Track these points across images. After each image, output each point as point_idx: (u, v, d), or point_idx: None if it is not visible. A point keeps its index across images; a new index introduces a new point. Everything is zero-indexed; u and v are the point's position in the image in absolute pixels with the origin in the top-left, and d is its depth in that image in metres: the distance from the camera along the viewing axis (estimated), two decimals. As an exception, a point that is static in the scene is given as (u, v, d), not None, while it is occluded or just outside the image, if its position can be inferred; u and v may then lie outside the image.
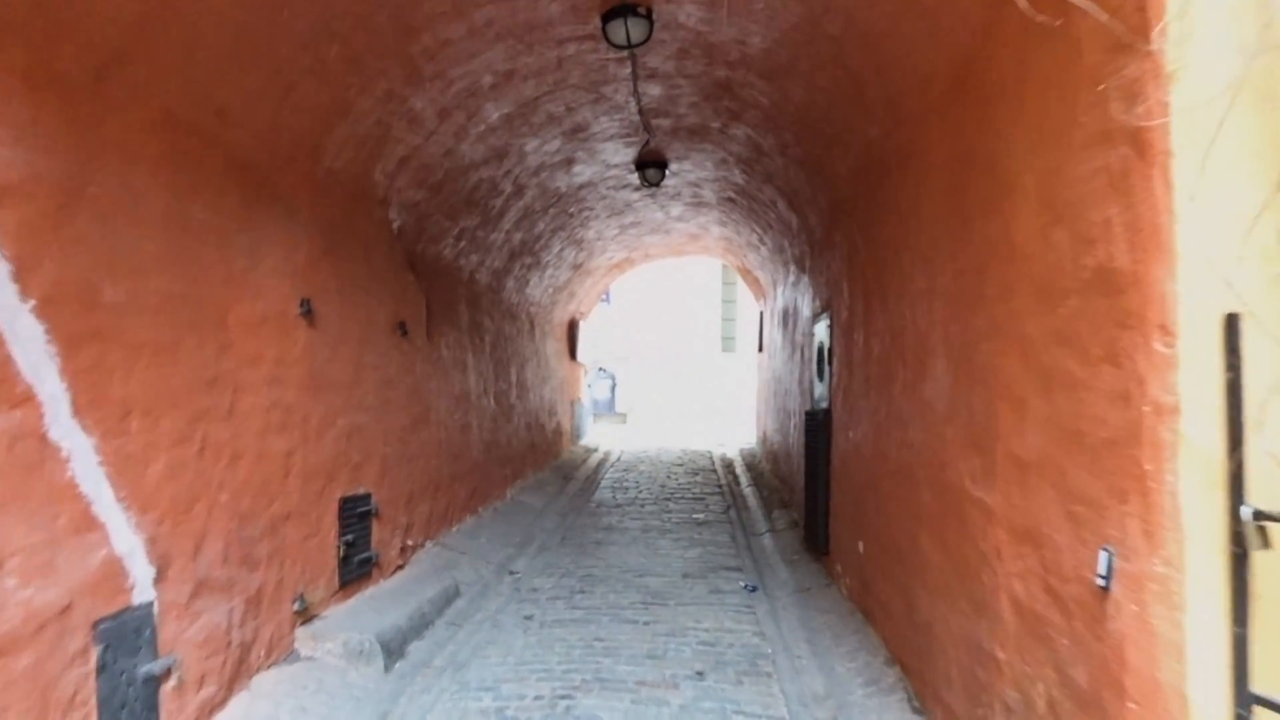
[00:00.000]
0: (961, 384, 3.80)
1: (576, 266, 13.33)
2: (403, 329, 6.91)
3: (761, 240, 11.60)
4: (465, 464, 8.67)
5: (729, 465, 13.62)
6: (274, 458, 4.83)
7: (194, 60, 3.93)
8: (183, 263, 4.03)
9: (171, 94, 3.90)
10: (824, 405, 7.31)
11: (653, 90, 7.37)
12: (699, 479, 12.16)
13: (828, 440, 7.07)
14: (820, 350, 7.63)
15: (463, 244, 8.65)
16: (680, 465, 13.41)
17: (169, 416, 3.90)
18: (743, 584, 6.88)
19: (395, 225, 6.93)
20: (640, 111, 7.89)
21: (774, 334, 12.41)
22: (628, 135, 8.77)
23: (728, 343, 25.87)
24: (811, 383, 8.13)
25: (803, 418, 8.62)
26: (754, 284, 14.69)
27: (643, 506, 10.15)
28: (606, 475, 12.49)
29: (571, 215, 11.07)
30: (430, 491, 7.55)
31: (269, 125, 4.67)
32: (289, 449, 5.00)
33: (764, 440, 13.76)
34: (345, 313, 5.81)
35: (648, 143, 9.00)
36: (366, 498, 6.15)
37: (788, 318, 10.67)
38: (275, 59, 4.37)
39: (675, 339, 25.09)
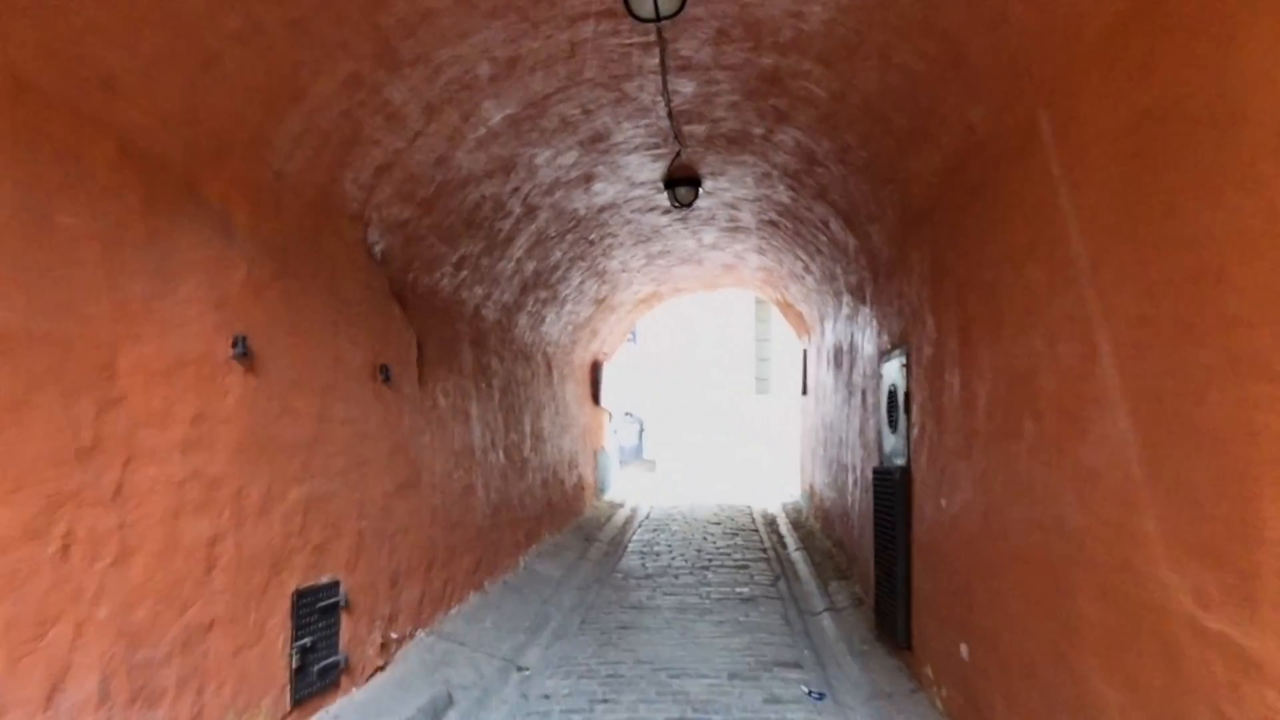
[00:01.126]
0: (1167, 450, 2.58)
1: (599, 301, 12.23)
2: (385, 374, 5.80)
3: (807, 269, 10.44)
4: (468, 532, 7.49)
5: (771, 523, 12.32)
6: (189, 548, 3.69)
7: (52, 5, 2.87)
8: (39, 287, 2.93)
9: (19, 50, 2.84)
10: (899, 462, 6.07)
11: (684, 88, 6.30)
12: (739, 541, 10.88)
13: (906, 506, 5.83)
14: (892, 395, 6.42)
15: (465, 273, 7.57)
16: (717, 524, 12.13)
17: (5, 505, 2.77)
18: (806, 689, 5.60)
19: (376, 249, 5.86)
20: (670, 115, 6.83)
21: (822, 375, 11.19)
22: (655, 146, 7.71)
23: (761, 384, 24.63)
24: (879, 434, 6.91)
25: (868, 475, 7.37)
26: (796, 319, 13.51)
27: (676, 577, 8.89)
28: (634, 537, 11.25)
29: (592, 243, 9.99)
30: (422, 570, 6.38)
31: (183, 106, 3.60)
32: (214, 534, 3.86)
33: (811, 494, 12.47)
34: (302, 354, 4.70)
35: (678, 155, 7.92)
36: (333, 587, 4.98)
37: (841, 356, 9.46)
38: (184, 14, 3.31)
39: (706, 380, 23.90)
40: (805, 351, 13.26)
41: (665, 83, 6.15)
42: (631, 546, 10.61)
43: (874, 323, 7.31)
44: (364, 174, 5.30)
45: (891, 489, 6.07)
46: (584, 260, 10.34)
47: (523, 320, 9.73)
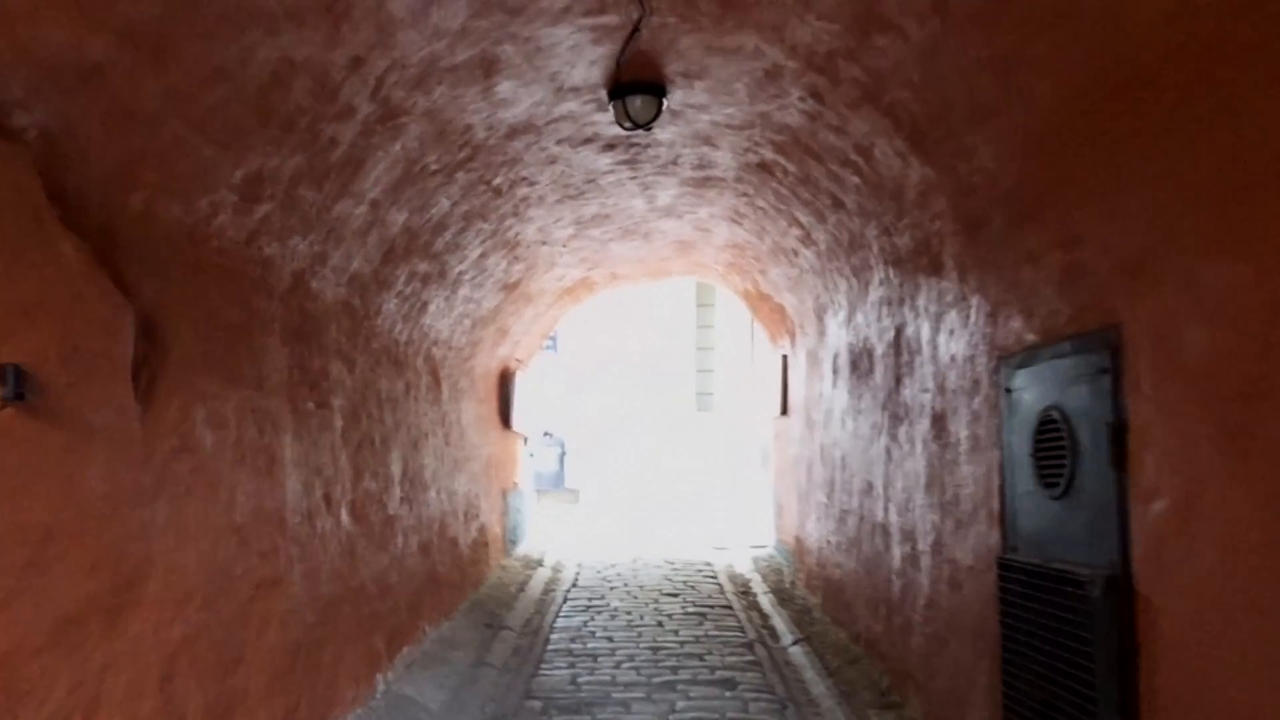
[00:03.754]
0: None
1: (509, 287, 9.21)
2: (15, 384, 2.71)
3: (808, 238, 7.64)
4: (262, 665, 4.39)
5: (745, 591, 9.44)
6: None
7: None
8: None
9: None
10: (1098, 565, 3.24)
11: None
12: (710, 628, 7.96)
13: (1125, 660, 3.01)
14: (1051, 429, 3.58)
15: (267, 210, 4.49)
16: (674, 595, 9.18)
17: None
18: None
19: (21, 121, 2.80)
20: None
21: (822, 390, 8.39)
22: (598, 9, 4.83)
23: (703, 400, 21.86)
24: (1004, 497, 4.07)
25: (965, 561, 4.54)
26: (771, 316, 10.71)
27: (628, 709, 5.91)
28: (558, 622, 8.22)
29: (498, 191, 7.00)
30: (135, 784, 3.27)
31: None
32: None
33: (798, 551, 9.65)
34: None
35: (637, 30, 5.06)
36: None
37: (870, 362, 6.67)
38: None
39: (639, 396, 21.02)
40: (785, 359, 10.48)
41: None
42: (555, 640, 7.57)
43: (975, 303, 4.50)
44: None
45: (1072, 614, 3.24)
46: (486, 219, 7.32)
47: (390, 305, 6.65)
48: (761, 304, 10.78)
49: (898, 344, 5.93)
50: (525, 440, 17.92)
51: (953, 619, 4.72)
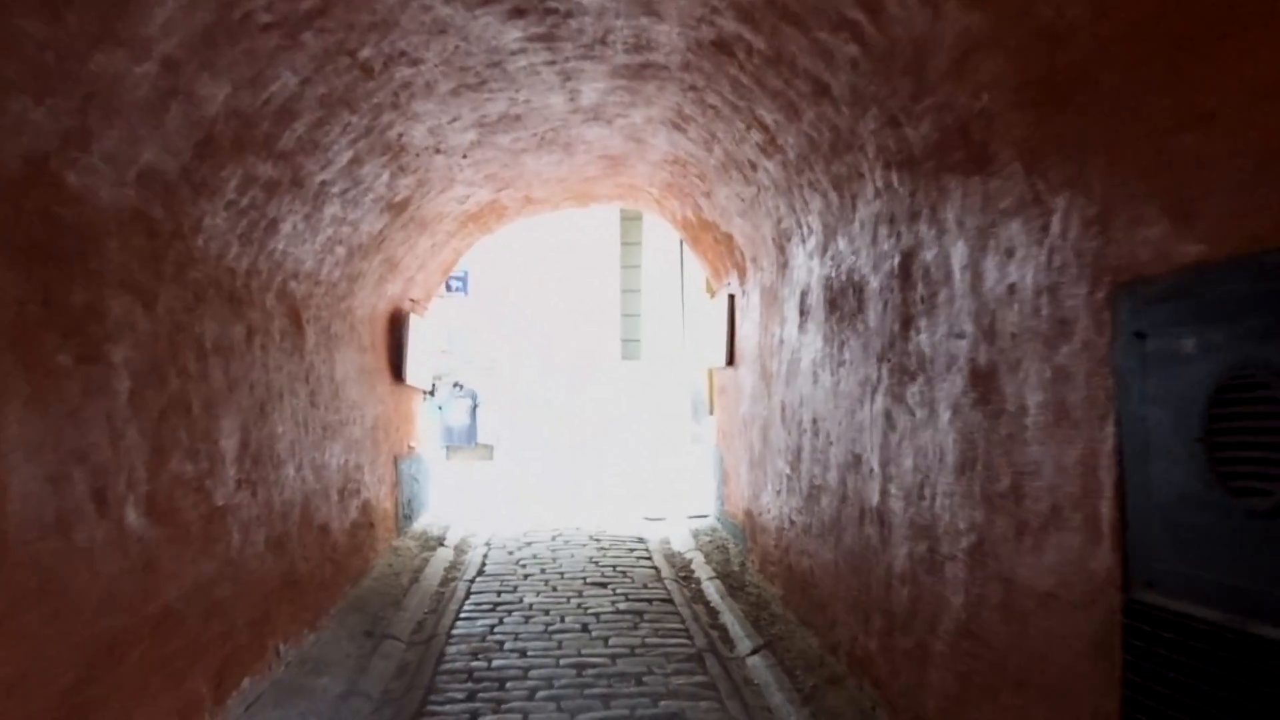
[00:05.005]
0: None
1: (396, 207, 7.51)
2: None
3: (771, 143, 6.15)
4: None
5: (688, 576, 8.07)
6: None
7: None
8: None
9: None
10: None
11: None
12: (648, 630, 6.57)
13: None
14: (1256, 399, 2.21)
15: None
16: (602, 585, 7.74)
17: None
18: None
19: None
20: None
21: (786, 336, 6.98)
22: None
23: (629, 347, 20.40)
24: (1121, 497, 2.71)
25: (1084, 607, 3.18)
26: (715, 249, 9.24)
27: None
28: (459, 627, 6.72)
29: (369, 70, 5.29)
30: None
31: None
32: None
33: (748, 527, 8.32)
34: None
35: None
36: None
37: (860, 299, 5.25)
38: None
39: (559, 342, 19.46)
40: (731, 299, 9.03)
41: None
42: (452, 654, 6.08)
43: (1061, 206, 3.07)
44: None
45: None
46: (354, 109, 5.62)
47: (217, 220, 4.94)
48: (703, 235, 9.30)
49: (906, 274, 4.51)
50: (431, 392, 16.29)
51: (1009, 662, 3.38)
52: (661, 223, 20.05)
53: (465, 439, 19.51)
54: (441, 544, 9.09)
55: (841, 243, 5.59)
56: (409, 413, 9.75)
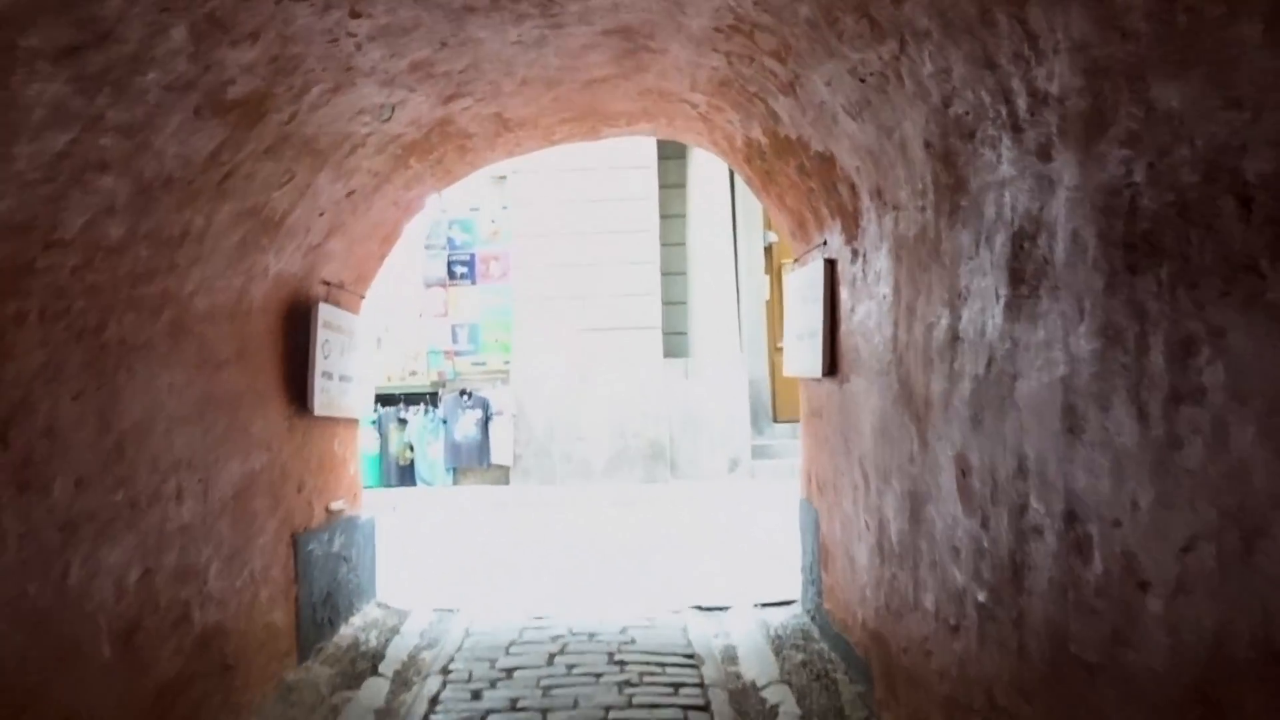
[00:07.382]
0: None
1: (238, 109, 4.32)
2: None
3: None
4: None
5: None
6: None
7: None
8: None
9: None
10: None
11: None
12: None
13: None
14: None
15: None
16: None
17: None
18: None
19: None
20: None
21: (978, 324, 3.67)
22: None
23: (675, 343, 17.07)
24: None
25: None
26: (804, 187, 5.92)
27: None
28: None
29: None
30: None
31: None
32: None
33: (884, 654, 5.00)
34: None
35: None
36: None
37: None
38: None
39: (590, 336, 16.31)
40: (831, 266, 5.72)
41: None
42: None
43: None
44: None
45: None
46: None
47: None
48: (780, 165, 6.00)
49: None
50: (434, 403, 13.25)
51: None
52: (708, 173, 16.57)
53: (476, 458, 16.51)
54: (374, 670, 5.87)
55: (1174, 102, 2.29)
56: (330, 457, 6.57)
